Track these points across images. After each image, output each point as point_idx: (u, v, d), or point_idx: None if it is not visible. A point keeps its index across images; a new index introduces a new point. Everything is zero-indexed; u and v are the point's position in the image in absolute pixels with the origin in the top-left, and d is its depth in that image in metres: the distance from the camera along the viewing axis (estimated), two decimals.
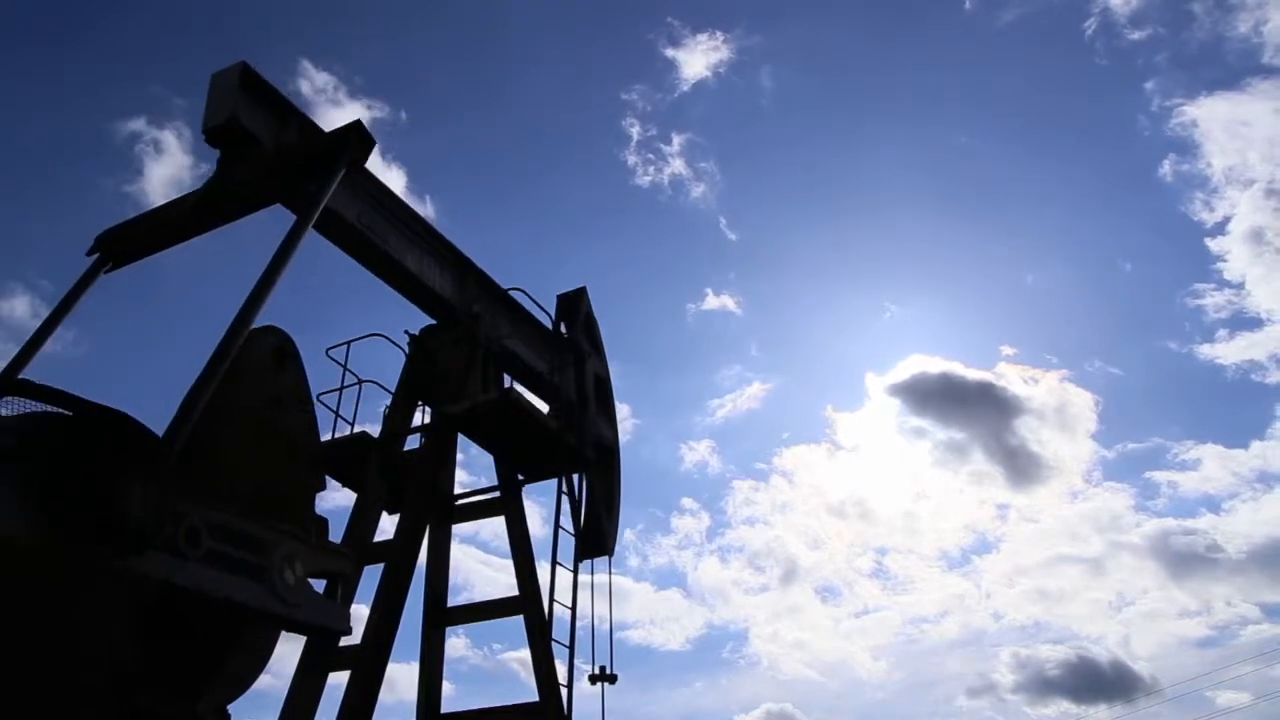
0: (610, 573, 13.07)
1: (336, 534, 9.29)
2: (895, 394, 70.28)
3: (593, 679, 12.07)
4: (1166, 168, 61.35)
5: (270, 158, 9.13)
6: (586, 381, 13.87)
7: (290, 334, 6.80)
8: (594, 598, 12.30)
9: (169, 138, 56.12)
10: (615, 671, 12.10)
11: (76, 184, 54.83)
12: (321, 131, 9.51)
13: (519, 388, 12.52)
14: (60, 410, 5.29)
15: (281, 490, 6.27)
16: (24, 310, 52.16)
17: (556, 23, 62.29)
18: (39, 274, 53.12)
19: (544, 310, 13.65)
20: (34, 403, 5.82)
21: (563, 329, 14.05)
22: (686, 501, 67.95)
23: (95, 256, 8.93)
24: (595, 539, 13.22)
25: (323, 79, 61.14)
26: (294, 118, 9.66)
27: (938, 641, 62.08)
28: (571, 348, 13.83)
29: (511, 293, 13.17)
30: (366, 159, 8.65)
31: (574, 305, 14.34)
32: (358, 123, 8.55)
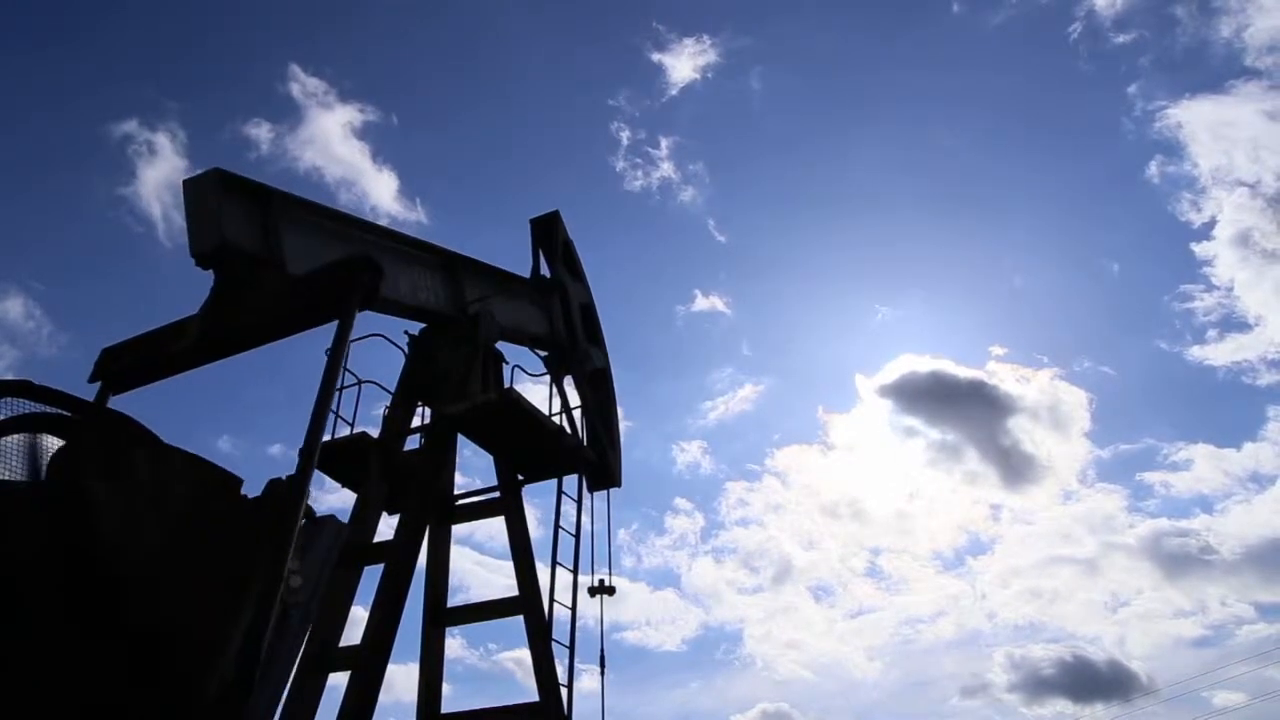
0: (609, 499, 13.29)
1: None
2: (886, 394, 70.54)
3: (592, 591, 12.10)
4: (1153, 169, 61.57)
5: (276, 283, 8.77)
6: (574, 315, 13.85)
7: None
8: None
9: (162, 140, 56.11)
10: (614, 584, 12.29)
11: (70, 186, 54.84)
12: (308, 205, 9.42)
13: (518, 388, 12.53)
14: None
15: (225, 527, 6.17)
16: (18, 312, 52.12)
17: (545, 28, 62.42)
18: (32, 275, 53.10)
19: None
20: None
21: (543, 262, 13.94)
22: (680, 502, 67.87)
23: (99, 384, 8.70)
24: (603, 470, 13.27)
25: (313, 83, 61.29)
26: (275, 199, 9.35)
27: (933, 641, 62.06)
28: (553, 286, 13.73)
29: None
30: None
31: (549, 231, 13.96)
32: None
